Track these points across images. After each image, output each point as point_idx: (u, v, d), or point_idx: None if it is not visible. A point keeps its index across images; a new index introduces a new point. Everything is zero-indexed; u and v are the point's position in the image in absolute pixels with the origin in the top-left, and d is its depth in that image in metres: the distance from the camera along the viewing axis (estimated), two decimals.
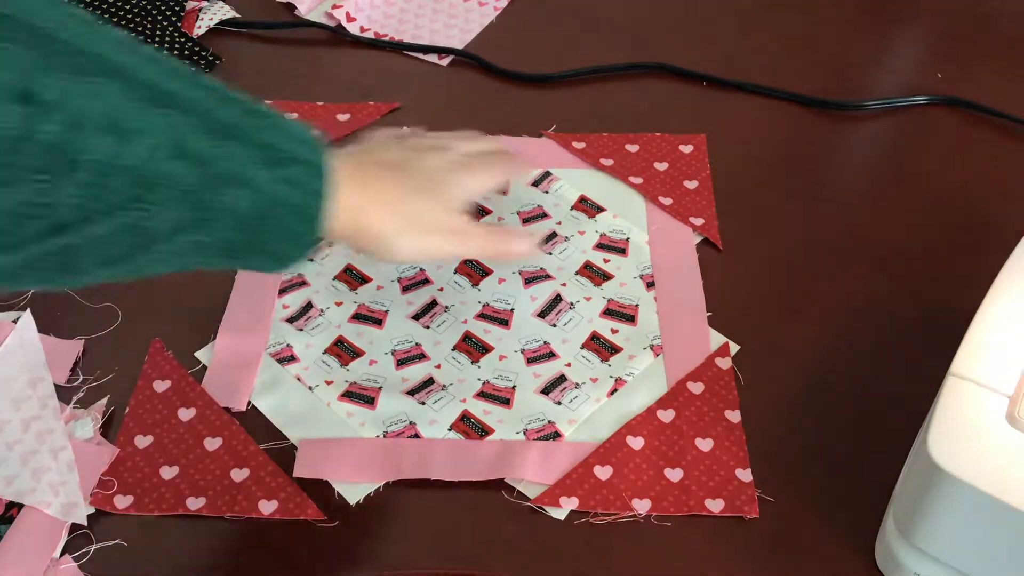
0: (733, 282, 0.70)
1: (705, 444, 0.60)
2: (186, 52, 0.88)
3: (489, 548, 0.56)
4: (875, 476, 0.58)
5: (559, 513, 0.57)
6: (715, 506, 0.57)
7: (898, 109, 0.84)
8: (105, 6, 0.89)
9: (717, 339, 0.66)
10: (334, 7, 0.94)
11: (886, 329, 0.67)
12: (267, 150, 0.46)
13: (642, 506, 0.57)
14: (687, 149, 0.80)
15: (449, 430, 0.61)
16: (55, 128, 0.39)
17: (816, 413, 0.62)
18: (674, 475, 0.59)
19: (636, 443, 0.60)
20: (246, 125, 0.46)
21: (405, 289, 0.69)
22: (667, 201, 0.75)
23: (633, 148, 0.80)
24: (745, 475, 0.59)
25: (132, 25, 0.89)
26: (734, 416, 0.62)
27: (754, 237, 0.73)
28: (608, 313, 0.68)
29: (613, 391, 0.63)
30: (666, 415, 0.62)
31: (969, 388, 0.49)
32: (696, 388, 0.63)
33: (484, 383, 0.64)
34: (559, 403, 0.62)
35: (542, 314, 0.68)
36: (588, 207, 0.75)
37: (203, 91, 0.45)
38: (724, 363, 0.64)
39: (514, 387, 0.63)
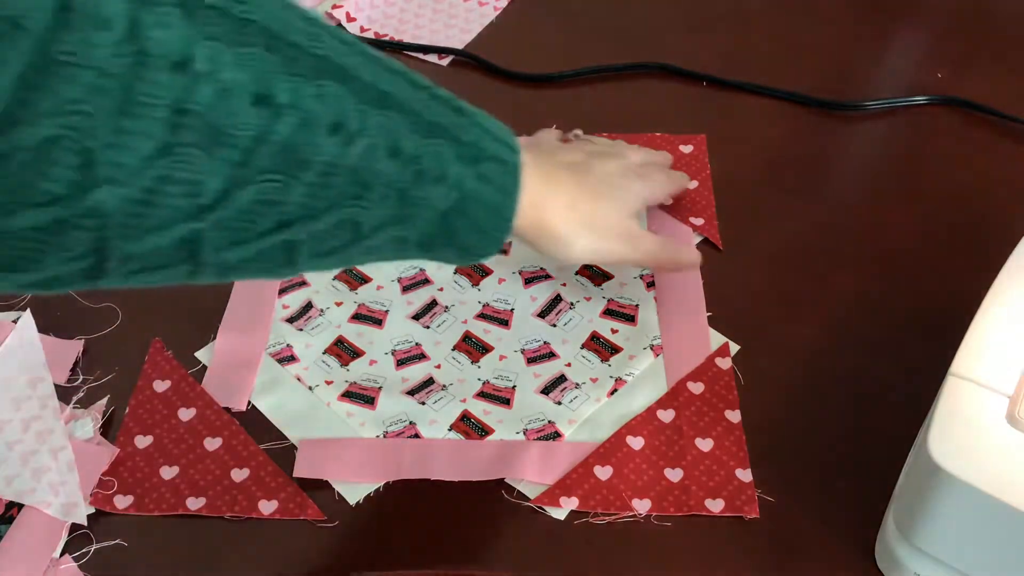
0: (733, 282, 0.70)
1: (705, 444, 0.60)
2: None
3: (489, 548, 0.56)
4: (875, 476, 0.58)
5: (559, 513, 0.57)
6: (715, 506, 0.57)
7: (898, 109, 0.84)
8: None
9: (717, 339, 0.66)
10: (334, 7, 0.94)
11: (886, 329, 0.67)
12: (469, 147, 0.48)
13: (642, 506, 0.57)
14: (687, 149, 0.80)
15: (449, 430, 0.61)
16: (288, 130, 0.40)
17: (816, 413, 0.62)
18: (674, 475, 0.59)
19: (636, 443, 0.60)
20: (452, 123, 0.48)
21: (405, 289, 0.69)
22: (667, 200, 0.75)
23: None
24: (745, 475, 0.59)
25: None
26: (734, 416, 0.62)
27: (754, 237, 0.73)
28: (608, 313, 0.68)
29: (613, 391, 0.63)
30: (666, 415, 0.62)
31: (969, 388, 0.49)
32: (696, 388, 0.63)
33: (484, 383, 0.64)
34: (559, 403, 0.62)
35: (542, 314, 0.68)
36: None
37: (416, 90, 0.47)
38: (724, 363, 0.64)
39: (514, 387, 0.63)
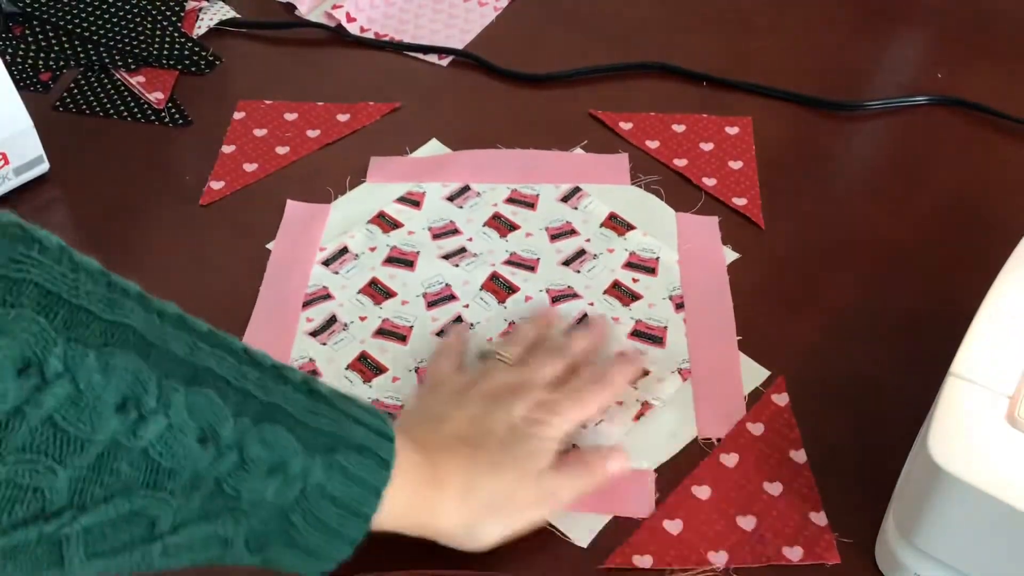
0: (733, 282, 0.71)
1: (774, 488, 0.59)
2: (186, 52, 0.90)
3: (495, 553, 0.55)
4: (875, 476, 0.59)
5: (582, 541, 0.57)
6: (793, 554, 0.56)
7: (898, 109, 0.86)
8: (105, 6, 0.91)
9: (747, 364, 0.66)
10: (334, 7, 0.96)
11: (886, 328, 0.68)
12: (319, 433, 0.44)
13: (718, 558, 0.56)
14: (733, 131, 0.83)
15: None
16: (54, 402, 0.36)
17: (816, 413, 0.63)
18: (747, 523, 0.58)
19: (702, 492, 0.59)
20: (299, 406, 0.44)
21: (430, 305, 0.70)
22: (711, 182, 0.78)
23: (679, 128, 0.83)
24: (820, 518, 0.58)
25: (132, 25, 0.90)
26: (799, 456, 0.60)
27: (754, 237, 0.75)
28: (636, 335, 0.67)
29: (640, 415, 0.63)
30: (729, 459, 0.60)
31: (969, 388, 0.50)
32: (756, 429, 0.62)
33: None
34: (584, 427, 0.61)
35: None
36: (618, 224, 0.75)
37: (251, 369, 0.44)
38: (781, 399, 0.64)
39: None
